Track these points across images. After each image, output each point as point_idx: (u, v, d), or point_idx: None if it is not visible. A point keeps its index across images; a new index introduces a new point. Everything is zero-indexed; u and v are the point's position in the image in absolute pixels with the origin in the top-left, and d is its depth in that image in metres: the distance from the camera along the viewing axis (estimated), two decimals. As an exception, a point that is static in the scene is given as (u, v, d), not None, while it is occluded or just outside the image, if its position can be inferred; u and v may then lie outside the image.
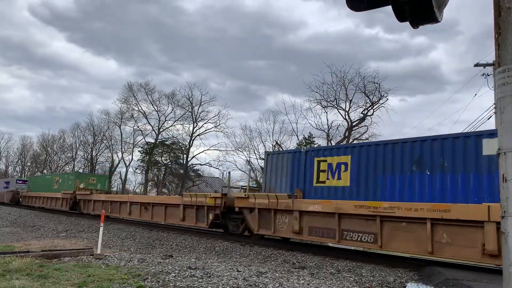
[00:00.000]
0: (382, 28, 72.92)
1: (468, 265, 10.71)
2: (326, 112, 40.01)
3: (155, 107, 52.58)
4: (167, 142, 53.26)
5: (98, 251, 10.58)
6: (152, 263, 8.87)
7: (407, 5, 2.50)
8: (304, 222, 12.84)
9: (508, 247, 2.23)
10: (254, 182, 45.99)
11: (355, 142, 39.48)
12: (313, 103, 39.61)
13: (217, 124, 50.28)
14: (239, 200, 15.25)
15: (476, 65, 23.30)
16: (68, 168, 65.70)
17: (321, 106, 39.52)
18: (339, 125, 39.76)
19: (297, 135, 43.85)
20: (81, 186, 29.18)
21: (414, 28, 2.66)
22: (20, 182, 44.54)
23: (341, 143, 39.44)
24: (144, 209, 20.42)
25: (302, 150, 15.20)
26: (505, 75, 2.36)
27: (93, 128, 61.35)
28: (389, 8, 2.66)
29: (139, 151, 55.60)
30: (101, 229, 11.83)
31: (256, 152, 45.46)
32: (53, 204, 32.36)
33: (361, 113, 38.45)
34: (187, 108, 51.37)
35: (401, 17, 2.62)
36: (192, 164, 51.46)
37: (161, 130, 52.87)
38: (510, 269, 2.21)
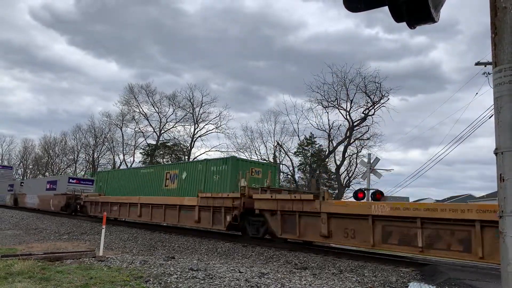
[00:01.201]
0: (382, 28, 72.90)
1: (471, 264, 10.69)
2: (327, 112, 40.03)
3: (156, 108, 52.73)
4: (169, 144, 53.37)
5: (100, 253, 10.61)
6: (154, 265, 8.89)
7: (403, 5, 2.51)
8: None
9: (506, 247, 2.23)
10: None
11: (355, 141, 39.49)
12: (314, 104, 39.70)
13: (218, 125, 50.38)
14: None
15: (477, 63, 23.23)
16: (70, 171, 65.67)
17: (322, 106, 39.56)
18: (340, 125, 39.76)
19: (298, 136, 43.90)
20: (243, 183, 15.74)
21: (411, 28, 2.67)
22: (74, 181, 32.15)
23: (343, 143, 39.45)
24: None
25: None
26: (501, 75, 2.36)
27: (94, 130, 61.54)
28: (388, 8, 2.67)
29: (140, 152, 55.73)
30: (103, 231, 11.85)
31: (257, 152, 45.49)
32: (172, 218, 17.93)
33: (362, 113, 38.44)
34: (188, 110, 51.52)
35: (398, 18, 2.63)
36: (194, 166, 51.45)
37: (163, 131, 52.97)
38: (508, 269, 2.22)
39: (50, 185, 33.36)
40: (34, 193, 36.06)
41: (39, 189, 35.38)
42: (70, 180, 32.02)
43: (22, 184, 41.85)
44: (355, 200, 17.68)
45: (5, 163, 77.85)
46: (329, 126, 40.10)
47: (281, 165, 44.76)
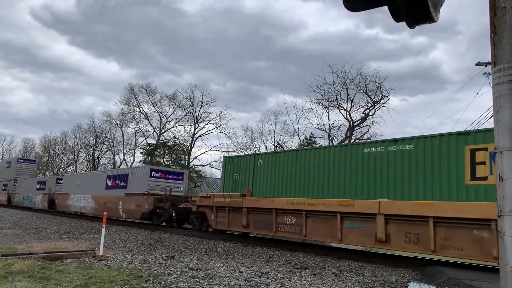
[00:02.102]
0: (382, 28, 72.80)
1: (471, 264, 10.68)
2: (328, 112, 39.93)
3: (157, 108, 52.64)
4: (169, 143, 53.33)
5: (100, 253, 10.61)
6: (154, 265, 8.89)
7: (402, 5, 2.50)
8: None
9: (505, 247, 2.24)
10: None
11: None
12: (314, 103, 39.54)
13: (219, 125, 50.32)
14: None
15: (478, 64, 23.23)
16: (70, 170, 65.63)
17: (322, 106, 39.47)
18: (341, 125, 39.69)
19: (298, 136, 43.74)
20: None
21: (410, 28, 2.67)
22: (158, 174, 21.65)
23: (343, 143, 39.45)
24: None
25: None
26: (500, 75, 2.37)
27: (94, 130, 61.46)
28: (387, 8, 2.67)
29: (140, 152, 55.68)
30: (103, 230, 11.87)
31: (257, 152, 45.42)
32: None
33: (363, 113, 38.37)
34: (188, 109, 51.45)
35: (397, 17, 2.63)
36: (194, 165, 51.50)
37: (163, 131, 52.94)
38: (506, 268, 2.22)
39: (113, 181, 23.87)
40: (83, 192, 26.57)
41: (93, 187, 25.86)
42: (153, 173, 21.35)
43: (59, 181, 32.67)
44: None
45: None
46: (330, 126, 40.08)
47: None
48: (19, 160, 45.32)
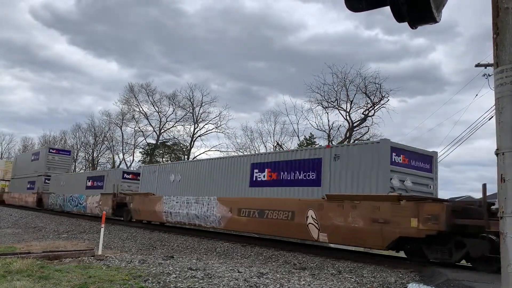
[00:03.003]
0: (381, 29, 72.85)
1: (470, 265, 10.68)
2: (327, 113, 39.92)
3: (156, 108, 52.59)
4: (168, 143, 53.34)
5: (99, 252, 10.59)
6: (153, 264, 8.88)
7: (405, 5, 2.50)
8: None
9: (506, 247, 2.23)
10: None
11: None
12: (314, 104, 39.51)
13: (218, 125, 50.30)
14: None
15: (477, 65, 23.28)
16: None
17: (322, 106, 39.47)
18: (340, 125, 39.68)
19: (298, 136, 43.75)
20: None
21: (412, 28, 2.67)
22: (396, 164, 11.12)
23: (343, 143, 39.44)
24: None
25: None
26: (503, 75, 2.37)
27: (94, 129, 61.39)
28: (388, 10, 2.67)
29: (140, 152, 55.67)
30: (102, 230, 11.85)
31: (257, 152, 45.41)
32: None
33: (362, 113, 38.38)
34: (188, 109, 51.42)
35: (399, 18, 2.63)
36: (193, 165, 51.43)
37: (162, 131, 52.90)
38: (508, 270, 2.22)
39: (273, 172, 13.78)
40: (194, 193, 17.03)
41: (217, 183, 16.12)
42: (394, 155, 11.41)
43: (127, 175, 23.90)
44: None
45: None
46: (329, 127, 40.10)
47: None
48: (50, 150, 34.91)
